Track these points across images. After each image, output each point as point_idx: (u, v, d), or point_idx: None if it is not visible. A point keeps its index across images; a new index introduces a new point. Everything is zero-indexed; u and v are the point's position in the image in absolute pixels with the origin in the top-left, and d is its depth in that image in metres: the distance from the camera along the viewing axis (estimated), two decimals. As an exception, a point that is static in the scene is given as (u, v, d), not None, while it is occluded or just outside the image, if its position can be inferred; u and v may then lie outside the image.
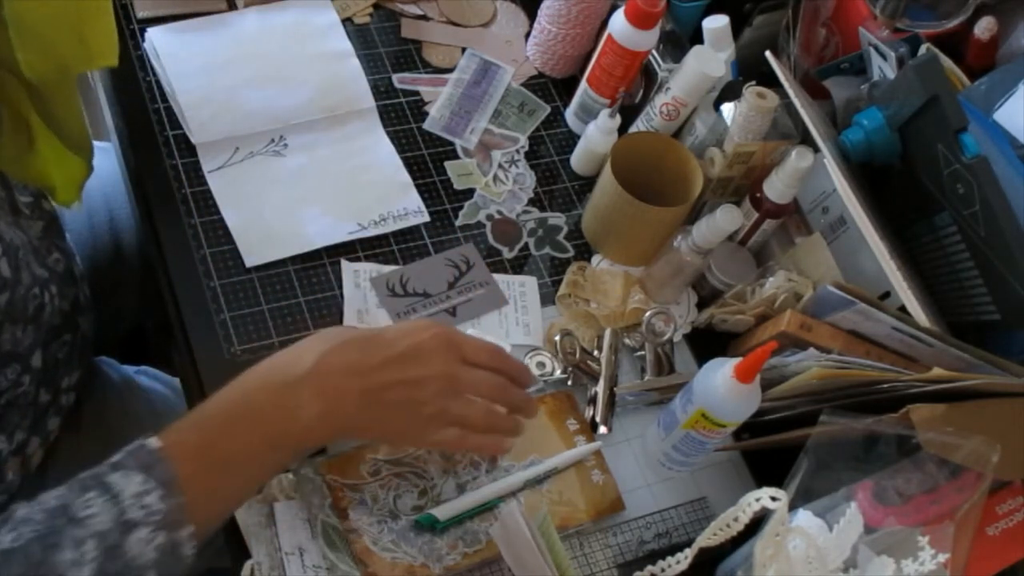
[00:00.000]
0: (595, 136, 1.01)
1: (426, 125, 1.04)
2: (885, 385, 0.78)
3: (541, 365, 0.91)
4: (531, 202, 1.02)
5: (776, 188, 0.93)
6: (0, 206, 0.80)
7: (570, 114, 1.09)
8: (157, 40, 0.98)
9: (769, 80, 0.94)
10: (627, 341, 0.95)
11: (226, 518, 0.71)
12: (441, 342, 0.74)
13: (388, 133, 1.02)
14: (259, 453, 0.69)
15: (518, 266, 0.98)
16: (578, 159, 1.05)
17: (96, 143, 0.89)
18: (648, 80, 1.04)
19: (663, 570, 0.82)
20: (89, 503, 0.61)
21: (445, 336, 0.75)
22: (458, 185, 1.01)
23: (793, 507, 0.75)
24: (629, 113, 1.04)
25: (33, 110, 0.80)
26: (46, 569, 0.59)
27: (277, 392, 0.69)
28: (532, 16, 1.12)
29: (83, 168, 0.88)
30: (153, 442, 0.64)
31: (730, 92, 0.99)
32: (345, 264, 0.92)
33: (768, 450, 0.87)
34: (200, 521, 0.64)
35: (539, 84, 1.11)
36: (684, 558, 0.81)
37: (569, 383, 0.91)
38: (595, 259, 1.00)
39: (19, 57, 0.71)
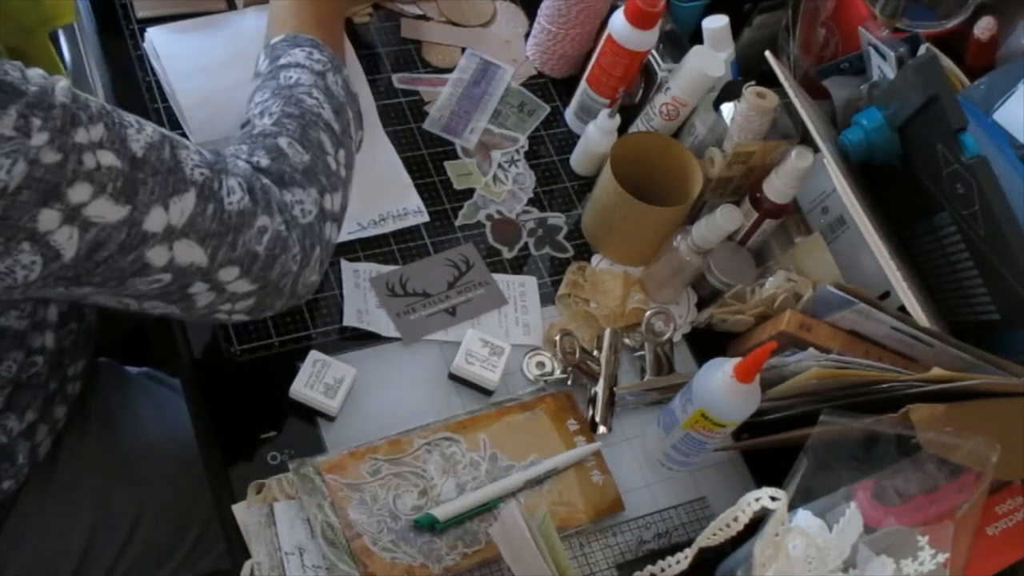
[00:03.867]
0: (595, 136, 1.01)
1: (426, 125, 1.04)
2: (885, 385, 0.78)
3: (541, 365, 0.91)
4: (531, 202, 1.02)
5: (776, 188, 0.93)
6: None
7: (570, 114, 1.09)
8: (157, 40, 0.98)
9: (769, 80, 0.94)
10: (627, 341, 0.95)
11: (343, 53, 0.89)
12: None
13: (388, 133, 1.02)
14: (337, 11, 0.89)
15: (518, 266, 0.98)
16: (578, 159, 1.05)
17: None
18: (648, 80, 1.04)
19: (663, 570, 0.82)
20: (289, 76, 0.78)
21: None
22: (458, 185, 1.01)
23: (793, 507, 0.75)
24: (629, 113, 1.04)
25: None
26: (308, 115, 0.76)
27: None
28: (532, 16, 1.12)
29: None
30: (275, 38, 0.82)
31: (730, 92, 0.98)
32: (345, 264, 0.92)
33: (768, 450, 0.87)
34: (342, 61, 0.84)
35: (539, 84, 1.11)
36: (684, 558, 0.81)
37: (569, 383, 0.91)
38: (595, 259, 1.00)
39: None
